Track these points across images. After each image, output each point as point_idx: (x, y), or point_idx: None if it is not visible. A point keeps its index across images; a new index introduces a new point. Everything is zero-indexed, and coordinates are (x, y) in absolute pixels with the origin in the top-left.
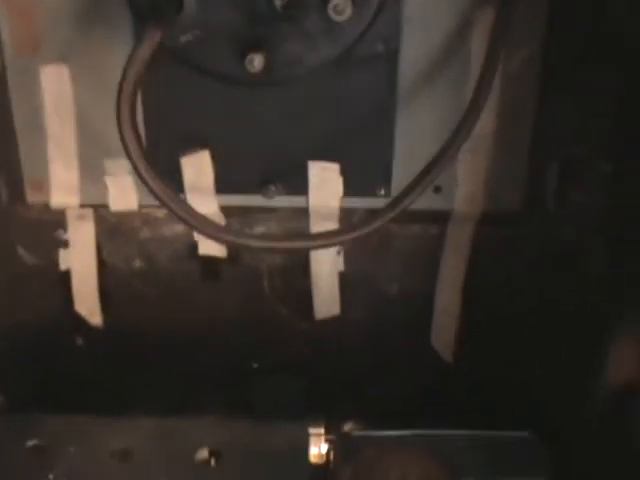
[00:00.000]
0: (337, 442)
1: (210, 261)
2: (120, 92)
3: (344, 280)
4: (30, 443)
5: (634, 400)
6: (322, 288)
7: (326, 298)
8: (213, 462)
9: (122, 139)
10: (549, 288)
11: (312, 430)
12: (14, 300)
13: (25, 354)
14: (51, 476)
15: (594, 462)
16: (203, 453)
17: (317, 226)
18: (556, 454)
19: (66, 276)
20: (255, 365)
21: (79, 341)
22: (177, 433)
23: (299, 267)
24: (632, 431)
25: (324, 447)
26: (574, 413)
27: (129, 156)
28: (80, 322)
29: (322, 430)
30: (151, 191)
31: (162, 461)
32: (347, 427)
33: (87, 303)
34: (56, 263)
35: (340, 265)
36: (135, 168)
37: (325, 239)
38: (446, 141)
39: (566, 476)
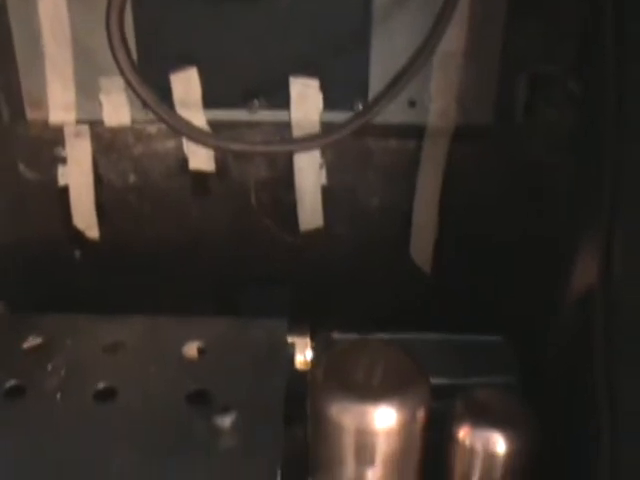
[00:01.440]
0: (317, 342)
1: (200, 176)
2: (109, 5)
3: (327, 194)
4: (29, 339)
5: (593, 303)
6: (306, 201)
7: (310, 211)
8: (198, 356)
9: (113, 52)
10: (519, 201)
11: (297, 339)
12: (16, 215)
13: (26, 267)
14: (50, 366)
15: (559, 362)
16: (190, 346)
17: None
18: (526, 357)
19: (64, 192)
20: (243, 276)
21: (77, 254)
22: (165, 329)
23: (284, 182)
24: (591, 331)
25: (309, 354)
26: (542, 318)
27: (119, 65)
28: (78, 236)
29: (307, 339)
30: (139, 96)
31: (151, 353)
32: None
33: (85, 217)
34: (55, 179)
35: (323, 179)
36: (123, 73)
37: (304, 143)
38: (415, 50)
39: (534, 376)
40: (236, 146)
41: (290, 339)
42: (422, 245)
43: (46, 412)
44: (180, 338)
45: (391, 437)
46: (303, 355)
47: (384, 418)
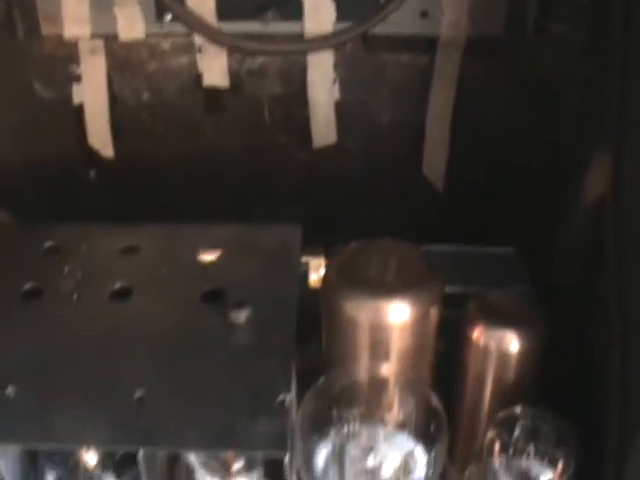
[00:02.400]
0: (331, 254)
1: (214, 93)
2: None
3: (340, 110)
4: (46, 244)
5: (603, 214)
6: (319, 117)
7: (323, 127)
8: (213, 259)
9: None
10: (530, 116)
11: (311, 258)
12: (31, 135)
13: (40, 187)
14: (66, 269)
15: (570, 273)
16: (204, 249)
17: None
18: (536, 269)
19: (79, 111)
20: (257, 193)
21: (92, 174)
22: (180, 234)
23: (297, 97)
24: (602, 242)
25: (322, 272)
26: (553, 230)
27: None
28: (93, 155)
29: (321, 258)
30: None
31: (166, 256)
32: None
33: (99, 136)
34: (70, 98)
35: (336, 94)
36: None
37: (315, 42)
38: None
39: (545, 286)
40: (248, 44)
41: (304, 259)
42: (434, 161)
43: (63, 312)
44: (195, 242)
45: (404, 332)
46: (317, 274)
47: (398, 313)
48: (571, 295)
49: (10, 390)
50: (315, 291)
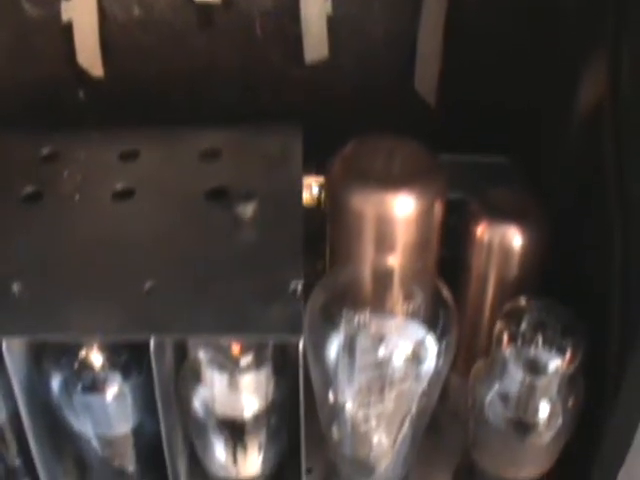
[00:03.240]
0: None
1: (205, 8)
2: None
3: (332, 24)
4: (44, 150)
5: (601, 117)
6: (312, 32)
7: (316, 41)
8: (216, 159)
9: None
10: (523, 23)
11: (305, 176)
12: (19, 54)
13: (29, 108)
14: (65, 173)
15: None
16: (206, 150)
17: None
18: (534, 179)
19: (68, 29)
20: (250, 110)
21: (81, 94)
22: (181, 136)
23: (289, 12)
24: (601, 144)
25: (315, 189)
26: (549, 139)
27: None
28: (82, 75)
29: (314, 177)
30: None
31: (167, 158)
32: None
33: (89, 55)
34: (58, 15)
35: (328, 8)
36: None
37: None
38: None
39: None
40: None
41: None
42: (426, 76)
43: (65, 212)
44: (196, 143)
45: (410, 225)
46: (309, 192)
47: (403, 205)
48: (569, 201)
49: (15, 287)
50: (309, 210)
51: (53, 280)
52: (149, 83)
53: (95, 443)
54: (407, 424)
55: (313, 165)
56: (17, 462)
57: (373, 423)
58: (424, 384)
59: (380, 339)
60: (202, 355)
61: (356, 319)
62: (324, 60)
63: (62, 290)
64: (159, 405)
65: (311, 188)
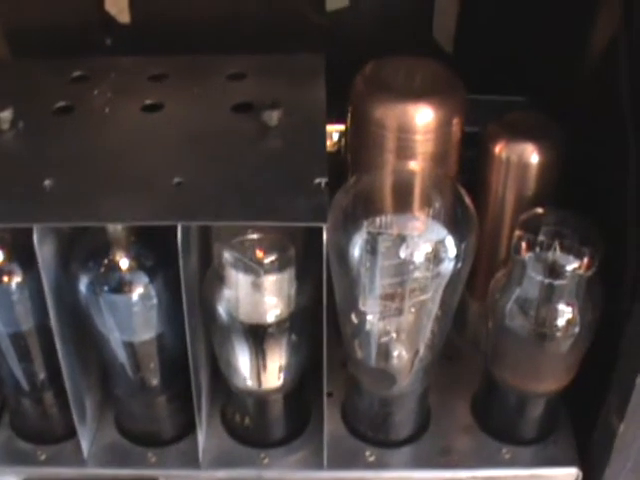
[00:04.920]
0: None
1: None
2: None
3: None
4: (74, 73)
5: (616, 54)
6: None
7: None
8: (242, 80)
9: None
10: None
11: None
12: (47, 0)
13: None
14: (96, 91)
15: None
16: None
17: None
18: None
19: None
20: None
21: (108, 41)
22: (208, 62)
23: None
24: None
25: (335, 137)
26: (566, 77)
27: None
28: (109, 21)
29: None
30: None
31: (195, 79)
32: None
33: (116, 1)
34: None
35: None
36: None
37: None
38: None
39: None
40: None
41: None
42: (444, 24)
43: (96, 122)
44: (223, 67)
45: (429, 135)
46: (330, 139)
47: (424, 116)
48: (586, 131)
49: (47, 182)
50: (329, 156)
51: (84, 177)
52: (174, 29)
53: (120, 352)
54: (427, 334)
55: (333, 113)
56: (41, 376)
57: (394, 333)
58: (443, 287)
59: (402, 240)
60: (227, 256)
61: (378, 221)
62: (344, 7)
63: (92, 185)
64: (184, 305)
65: (331, 136)
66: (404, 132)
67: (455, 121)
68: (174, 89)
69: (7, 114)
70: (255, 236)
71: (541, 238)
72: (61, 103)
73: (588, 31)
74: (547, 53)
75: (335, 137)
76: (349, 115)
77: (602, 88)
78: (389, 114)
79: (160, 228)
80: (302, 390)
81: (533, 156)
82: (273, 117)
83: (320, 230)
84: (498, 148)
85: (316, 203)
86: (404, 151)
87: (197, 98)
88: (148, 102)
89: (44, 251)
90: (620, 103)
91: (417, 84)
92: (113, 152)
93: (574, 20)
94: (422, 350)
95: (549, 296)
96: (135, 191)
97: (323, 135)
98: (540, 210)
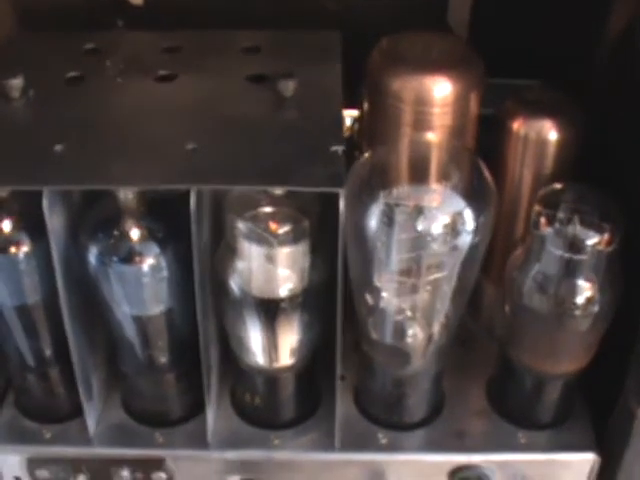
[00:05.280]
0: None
1: None
2: None
3: None
4: (86, 46)
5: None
6: None
7: None
8: (256, 52)
9: None
10: None
11: None
12: None
13: None
14: (108, 62)
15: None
16: (246, 45)
17: None
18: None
19: None
20: None
21: (119, 22)
22: (221, 36)
23: None
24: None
25: (348, 121)
26: (582, 59)
27: None
28: (121, 2)
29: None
30: None
31: (209, 50)
32: None
33: None
34: None
35: None
36: None
37: None
38: None
39: None
40: None
41: None
42: (459, 10)
43: (108, 90)
44: (237, 41)
45: (446, 109)
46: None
47: (441, 88)
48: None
49: (58, 147)
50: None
51: (95, 142)
52: (187, 11)
53: (128, 327)
54: (443, 313)
55: (345, 99)
56: (47, 352)
57: (409, 311)
58: (459, 264)
59: (419, 212)
60: (240, 227)
61: (395, 192)
62: None
63: (104, 150)
64: (196, 275)
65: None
66: (421, 105)
67: (473, 95)
68: (188, 60)
69: (18, 81)
70: (268, 209)
71: (561, 213)
72: (73, 73)
73: (606, 15)
74: (562, 37)
75: (348, 122)
76: (366, 90)
77: (619, 70)
78: (407, 86)
79: (171, 198)
80: (313, 370)
81: (551, 133)
82: (289, 87)
83: (335, 198)
84: (516, 125)
85: (333, 170)
86: (421, 124)
87: (211, 69)
88: (162, 72)
89: (53, 220)
90: (638, 83)
91: (435, 57)
92: (125, 119)
93: (591, 3)
94: (437, 330)
95: (569, 272)
96: (148, 156)
97: (339, 106)
98: (559, 186)
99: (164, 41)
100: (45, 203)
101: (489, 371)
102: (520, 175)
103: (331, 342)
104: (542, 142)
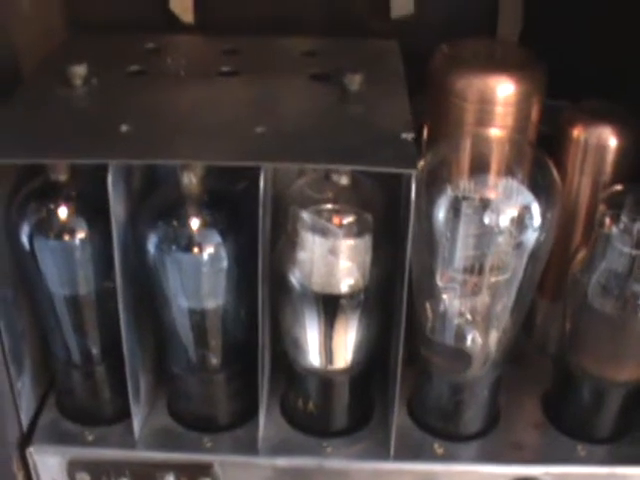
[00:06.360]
0: None
1: None
2: None
3: None
4: (147, 45)
5: None
6: None
7: None
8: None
9: None
10: None
11: None
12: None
13: None
14: (169, 59)
15: None
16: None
17: None
18: None
19: None
20: None
21: None
22: (282, 42)
23: None
24: None
25: None
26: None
27: None
28: (173, 20)
29: None
30: None
31: (270, 53)
32: None
33: (181, 1)
34: None
35: None
36: None
37: None
38: None
39: None
40: None
41: None
42: (509, 33)
43: (171, 82)
44: (296, 46)
45: (509, 109)
46: None
47: (505, 88)
48: None
49: (124, 127)
50: None
51: (162, 123)
52: (237, 30)
53: (182, 321)
54: (504, 318)
55: None
56: (95, 348)
57: (469, 315)
58: (523, 264)
59: (485, 206)
60: (304, 218)
61: (462, 185)
62: (409, 15)
63: (171, 130)
64: (260, 261)
65: None
66: (484, 103)
67: (535, 97)
68: (249, 61)
69: (81, 69)
70: (331, 206)
71: (625, 213)
72: (135, 67)
73: None
74: (603, 59)
75: None
76: (430, 86)
77: None
78: (470, 85)
79: (233, 189)
80: (368, 376)
81: (611, 139)
82: (355, 80)
83: (408, 179)
84: (576, 131)
85: (405, 152)
86: (483, 124)
87: (273, 68)
88: (224, 69)
89: (116, 201)
90: None
91: (498, 58)
92: (191, 106)
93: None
94: (496, 336)
95: (635, 270)
96: (216, 137)
97: (405, 100)
98: (621, 187)
99: (224, 44)
100: (109, 179)
101: (543, 387)
102: (579, 182)
103: (386, 350)
104: (602, 148)
